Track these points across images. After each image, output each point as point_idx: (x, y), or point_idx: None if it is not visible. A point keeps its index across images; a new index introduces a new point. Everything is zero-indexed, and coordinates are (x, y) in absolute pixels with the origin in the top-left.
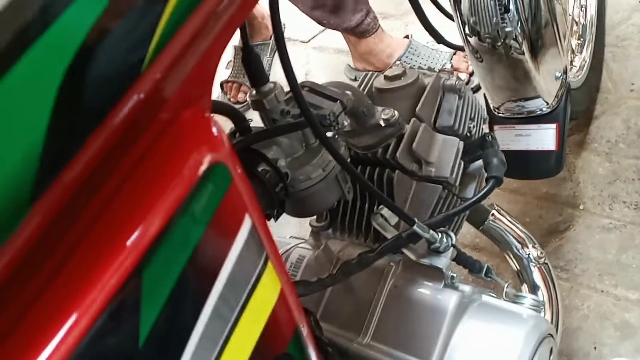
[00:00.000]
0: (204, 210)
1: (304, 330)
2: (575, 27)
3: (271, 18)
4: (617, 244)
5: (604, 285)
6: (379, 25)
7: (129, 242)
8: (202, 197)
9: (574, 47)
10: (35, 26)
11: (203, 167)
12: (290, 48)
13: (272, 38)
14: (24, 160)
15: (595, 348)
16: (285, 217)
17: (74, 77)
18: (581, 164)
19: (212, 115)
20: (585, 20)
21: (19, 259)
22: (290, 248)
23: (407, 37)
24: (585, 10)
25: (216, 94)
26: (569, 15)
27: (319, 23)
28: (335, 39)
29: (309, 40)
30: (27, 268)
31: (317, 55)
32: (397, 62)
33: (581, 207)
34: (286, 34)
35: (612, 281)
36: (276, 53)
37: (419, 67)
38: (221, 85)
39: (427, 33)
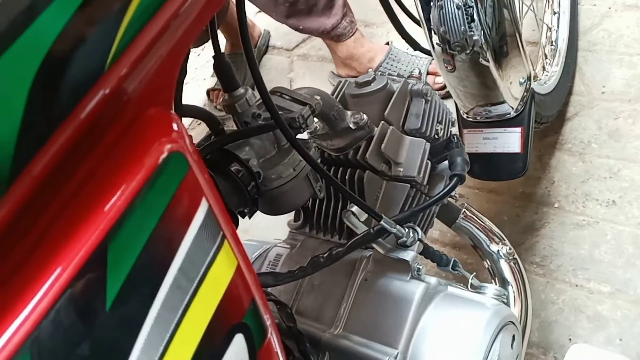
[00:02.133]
0: (163, 193)
1: (260, 303)
2: (548, 33)
3: (239, 26)
4: (590, 240)
5: (577, 280)
6: (357, 29)
7: (96, 219)
8: (161, 181)
9: (547, 53)
10: (9, 32)
11: (162, 156)
12: (275, 56)
13: (256, 46)
14: (1, 152)
15: (570, 339)
16: (275, 220)
17: (43, 76)
18: (555, 164)
19: (173, 112)
20: (558, 27)
21: None
22: (269, 247)
23: (387, 43)
24: (558, 17)
25: (202, 101)
26: (541, 20)
27: (295, 30)
28: (318, 47)
29: (293, 49)
30: (1, 248)
31: (301, 63)
32: (379, 68)
33: (556, 205)
34: (271, 43)
35: (585, 275)
36: (261, 61)
37: (398, 74)
38: (207, 92)
39: None
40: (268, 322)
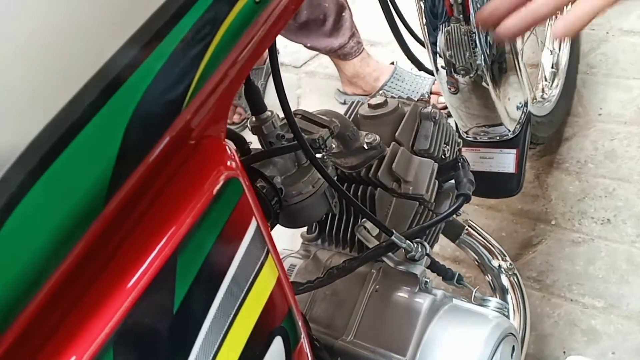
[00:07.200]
0: (222, 212)
1: (295, 309)
2: (549, 57)
3: (270, 61)
4: (585, 256)
5: (572, 295)
6: (363, 49)
7: (168, 235)
8: (221, 203)
9: (547, 76)
10: (106, 92)
11: (221, 182)
12: (284, 73)
13: (266, 63)
14: (99, 182)
15: (564, 352)
16: (280, 232)
17: (135, 120)
18: (553, 183)
19: (227, 140)
20: (559, 50)
21: (85, 248)
22: (283, 257)
23: (392, 63)
24: (560, 41)
25: None
26: (542, 43)
27: (303, 46)
28: (326, 64)
29: (301, 66)
30: (88, 258)
31: (309, 80)
32: (384, 87)
33: (553, 222)
34: (279, 60)
35: (580, 291)
36: (269, 78)
37: (407, 95)
38: None
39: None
40: (301, 327)
